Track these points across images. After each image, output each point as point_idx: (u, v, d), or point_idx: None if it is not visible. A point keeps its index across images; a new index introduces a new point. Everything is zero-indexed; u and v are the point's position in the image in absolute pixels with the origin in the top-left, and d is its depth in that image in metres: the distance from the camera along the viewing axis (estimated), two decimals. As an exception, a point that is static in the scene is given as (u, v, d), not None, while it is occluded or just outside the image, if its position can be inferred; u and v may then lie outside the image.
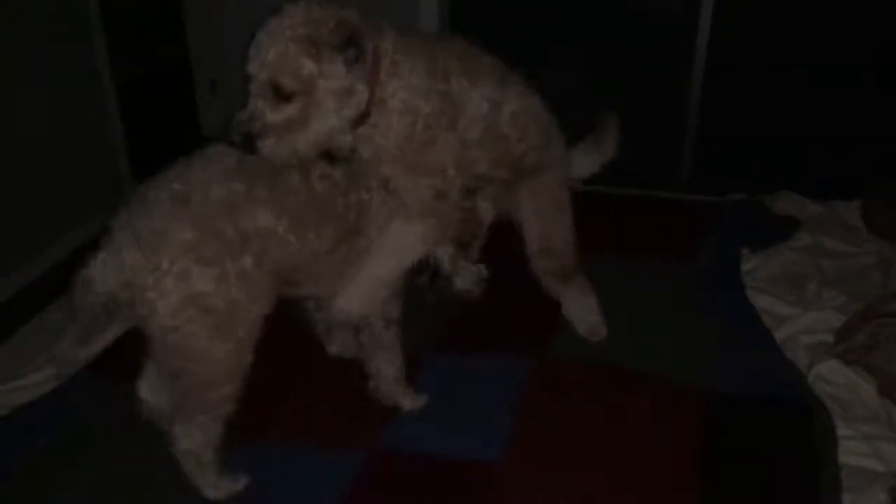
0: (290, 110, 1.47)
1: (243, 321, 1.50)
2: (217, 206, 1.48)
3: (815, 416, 1.76)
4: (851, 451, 1.68)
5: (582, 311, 2.09)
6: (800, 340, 2.03)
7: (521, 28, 3.76)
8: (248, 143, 1.47)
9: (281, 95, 1.46)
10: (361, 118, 1.54)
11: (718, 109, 3.53)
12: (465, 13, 3.81)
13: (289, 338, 2.00)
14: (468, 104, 1.68)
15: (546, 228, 1.99)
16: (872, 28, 3.27)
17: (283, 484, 1.63)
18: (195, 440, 1.55)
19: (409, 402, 1.83)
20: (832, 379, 1.89)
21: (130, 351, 1.97)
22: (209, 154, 1.57)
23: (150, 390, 1.70)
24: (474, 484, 1.62)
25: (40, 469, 1.66)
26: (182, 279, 1.43)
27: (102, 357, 1.95)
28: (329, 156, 1.58)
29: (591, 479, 1.62)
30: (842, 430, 1.73)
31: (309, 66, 1.45)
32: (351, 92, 1.49)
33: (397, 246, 1.66)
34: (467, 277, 1.96)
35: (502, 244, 2.02)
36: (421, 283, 1.86)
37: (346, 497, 1.59)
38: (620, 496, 1.59)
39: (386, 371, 1.81)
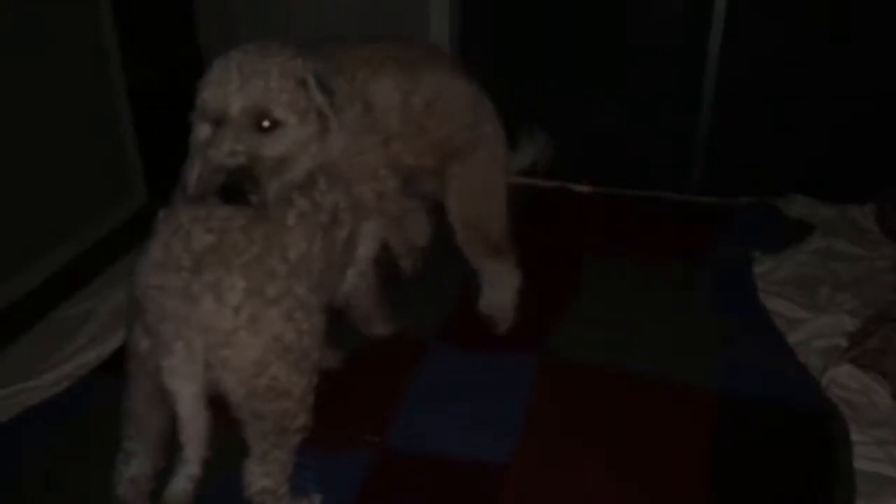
0: (283, 141, 1.42)
1: (313, 348, 1.46)
2: (258, 243, 1.40)
3: (829, 421, 1.75)
4: (865, 457, 1.67)
5: (499, 291, 2.07)
6: (813, 344, 2.01)
7: (530, 29, 3.75)
8: (239, 193, 1.36)
9: (262, 128, 1.40)
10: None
11: (730, 111, 3.52)
12: (475, 15, 3.81)
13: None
14: (377, 98, 1.67)
15: (471, 207, 1.98)
16: (886, 29, 3.25)
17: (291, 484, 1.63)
18: (274, 478, 1.50)
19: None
20: (846, 383, 1.87)
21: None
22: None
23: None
24: (483, 485, 1.61)
25: (50, 470, 1.66)
26: (254, 330, 1.36)
27: (113, 358, 1.98)
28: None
29: (601, 482, 1.61)
30: (855, 435, 1.72)
31: (300, 94, 1.43)
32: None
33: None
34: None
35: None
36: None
37: (356, 497, 1.58)
38: (631, 499, 1.58)
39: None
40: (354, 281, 1.83)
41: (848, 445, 1.69)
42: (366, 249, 1.80)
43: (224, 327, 1.33)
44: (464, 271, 2.15)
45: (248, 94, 1.38)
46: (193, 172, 1.40)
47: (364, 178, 1.65)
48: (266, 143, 1.40)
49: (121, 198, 4.22)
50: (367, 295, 1.92)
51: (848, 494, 1.57)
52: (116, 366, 1.93)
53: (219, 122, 1.39)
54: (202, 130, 1.43)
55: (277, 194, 1.42)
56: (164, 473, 1.49)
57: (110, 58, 4.06)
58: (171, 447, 1.47)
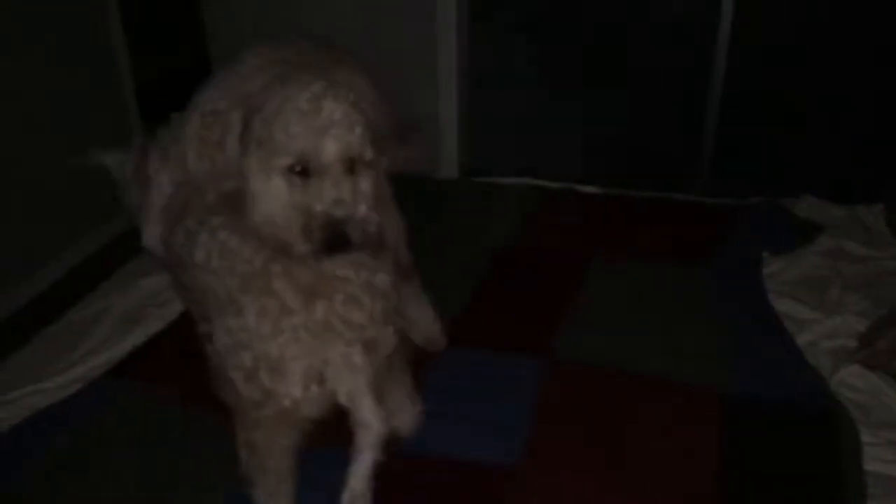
0: (371, 181, 1.36)
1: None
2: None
3: (839, 423, 1.74)
4: (875, 458, 1.66)
5: (422, 319, 1.97)
6: (822, 345, 2.01)
7: (535, 29, 3.75)
8: (348, 244, 1.30)
9: (353, 171, 1.33)
10: None
11: (739, 111, 3.51)
12: (485, 8, 3.80)
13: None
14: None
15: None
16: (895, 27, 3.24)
17: (305, 480, 1.63)
18: None
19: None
20: (855, 385, 1.86)
21: (152, 356, 2.01)
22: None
23: None
24: (491, 487, 1.61)
25: (59, 471, 1.67)
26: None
27: (124, 362, 1.99)
28: None
29: (608, 484, 1.60)
30: (866, 437, 1.71)
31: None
32: None
33: None
34: None
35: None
36: None
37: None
38: (640, 501, 1.57)
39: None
40: None
41: (858, 447, 1.68)
42: None
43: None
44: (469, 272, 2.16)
45: (349, 143, 1.30)
46: (294, 225, 1.31)
47: None
48: (359, 185, 1.35)
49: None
50: None
51: (858, 496, 1.56)
52: (125, 369, 1.95)
53: (306, 166, 1.29)
54: (286, 182, 1.32)
55: (379, 228, 1.38)
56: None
57: (119, 61, 4.08)
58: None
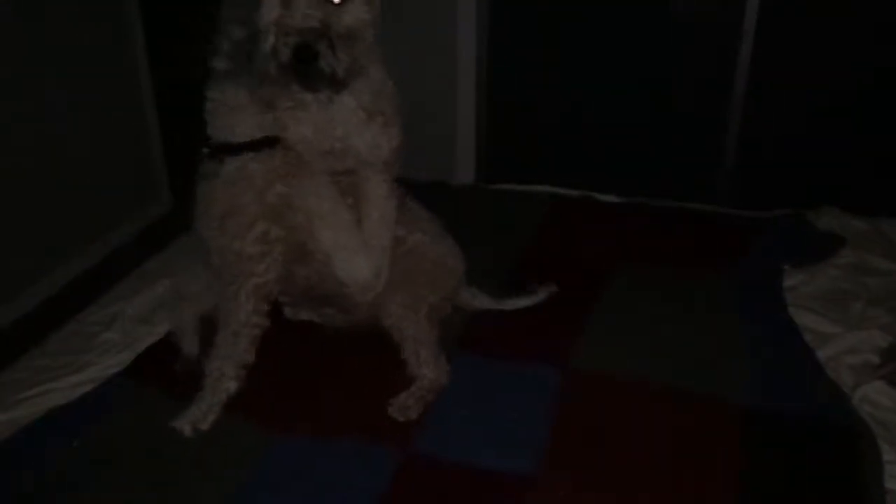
0: (353, 13, 1.47)
1: None
2: None
3: (860, 440, 1.71)
4: (896, 476, 1.63)
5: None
6: (844, 361, 1.97)
7: (557, 39, 3.75)
8: (313, 57, 1.41)
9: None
10: None
11: (761, 122, 3.49)
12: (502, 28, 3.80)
13: (321, 334, 2.03)
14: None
15: None
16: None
17: (316, 480, 1.63)
18: None
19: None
20: (877, 401, 1.83)
21: (164, 358, 2.00)
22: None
23: None
24: (509, 496, 1.59)
25: (73, 470, 1.66)
26: None
27: (138, 361, 1.98)
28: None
29: (627, 496, 1.58)
30: (887, 454, 1.67)
31: None
32: None
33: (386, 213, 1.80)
34: None
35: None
36: None
37: (379, 502, 1.57)
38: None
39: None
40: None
41: (879, 464, 1.64)
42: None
43: None
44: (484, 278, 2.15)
45: None
46: (264, 45, 1.40)
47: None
48: (337, 13, 1.42)
49: (146, 204, 4.25)
50: None
51: (879, 514, 1.53)
52: (138, 370, 1.95)
53: None
54: (269, 7, 1.43)
55: (348, 69, 1.44)
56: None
57: (137, 63, 4.10)
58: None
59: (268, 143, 1.75)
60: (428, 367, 1.87)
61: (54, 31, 3.52)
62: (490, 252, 2.36)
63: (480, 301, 2.14)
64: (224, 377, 1.78)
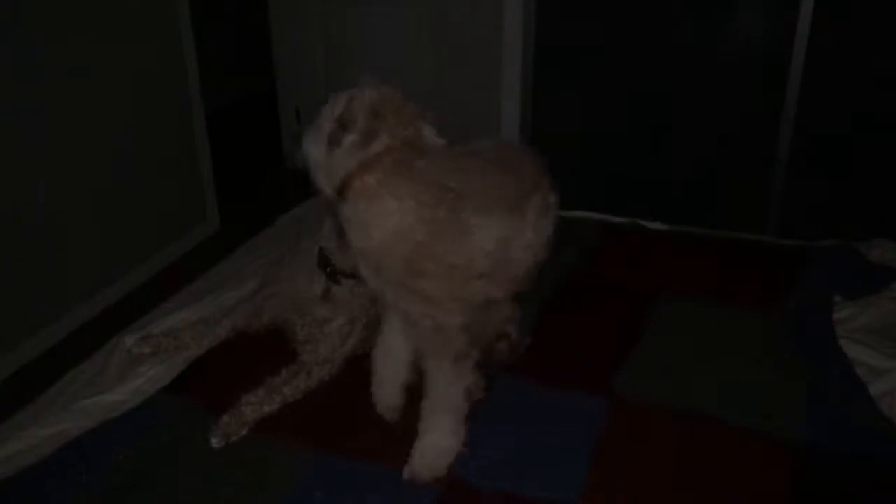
0: None
1: None
2: None
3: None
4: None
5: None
6: (898, 395, 1.92)
7: (603, 54, 3.74)
8: None
9: None
10: None
11: (811, 151, 3.44)
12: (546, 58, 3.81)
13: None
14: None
15: None
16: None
17: (358, 501, 1.62)
18: None
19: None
20: (932, 437, 1.78)
21: (210, 371, 2.03)
22: None
23: None
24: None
25: (118, 483, 1.68)
26: None
27: (183, 376, 2.01)
28: None
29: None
30: (941, 493, 1.62)
31: None
32: None
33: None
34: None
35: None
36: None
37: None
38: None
39: None
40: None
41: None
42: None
43: None
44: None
45: None
46: None
47: None
48: None
49: (195, 224, 4.32)
50: None
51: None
52: (185, 385, 1.97)
53: None
54: None
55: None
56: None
57: (189, 86, 4.19)
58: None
59: None
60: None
61: (108, 53, 3.62)
62: (536, 278, 2.34)
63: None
64: None
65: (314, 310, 2.02)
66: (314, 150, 1.68)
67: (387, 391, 1.85)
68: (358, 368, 1.98)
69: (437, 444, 1.69)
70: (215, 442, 1.76)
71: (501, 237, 1.67)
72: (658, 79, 3.67)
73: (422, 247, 1.56)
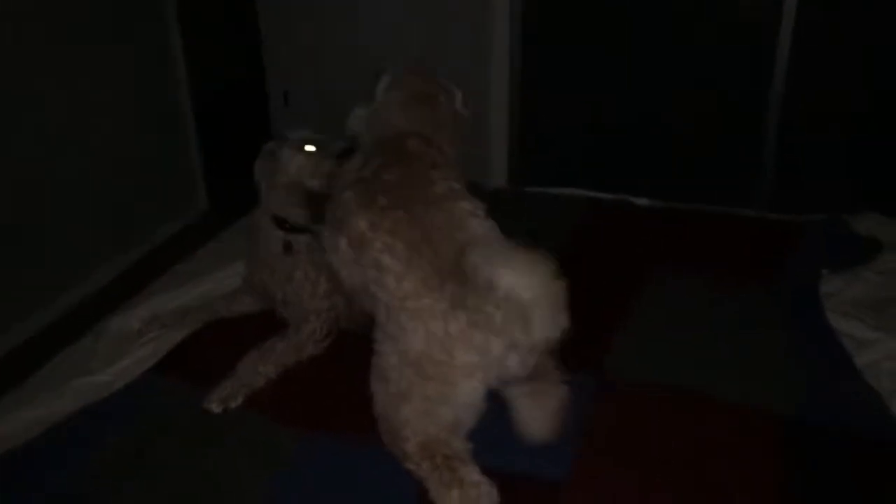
0: None
1: None
2: None
3: (897, 446, 1.67)
4: (937, 484, 1.59)
5: None
6: (882, 366, 1.92)
7: (593, 31, 3.72)
8: None
9: None
10: None
11: (800, 125, 3.44)
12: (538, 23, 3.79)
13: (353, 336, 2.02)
14: None
15: None
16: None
17: (349, 480, 1.63)
18: None
19: None
20: (917, 407, 1.79)
21: (196, 350, 2.03)
22: None
23: None
24: (538, 501, 1.58)
25: (110, 465, 1.69)
26: None
27: (170, 356, 2.01)
28: None
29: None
30: (926, 462, 1.64)
31: None
32: None
33: None
34: None
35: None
36: None
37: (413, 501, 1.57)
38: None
39: None
40: None
41: (919, 473, 1.61)
42: None
43: None
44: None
45: None
46: None
47: None
48: None
49: (184, 206, 4.31)
50: None
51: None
52: (172, 364, 1.98)
53: None
54: None
55: None
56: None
57: (176, 70, 4.16)
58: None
59: None
60: None
61: (95, 37, 3.59)
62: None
63: None
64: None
65: (280, 266, 2.08)
66: None
67: None
68: (346, 347, 1.99)
69: None
70: (214, 407, 1.80)
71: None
72: (647, 52, 3.66)
73: None
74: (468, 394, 1.57)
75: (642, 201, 2.83)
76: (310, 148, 2.03)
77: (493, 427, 1.74)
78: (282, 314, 2.10)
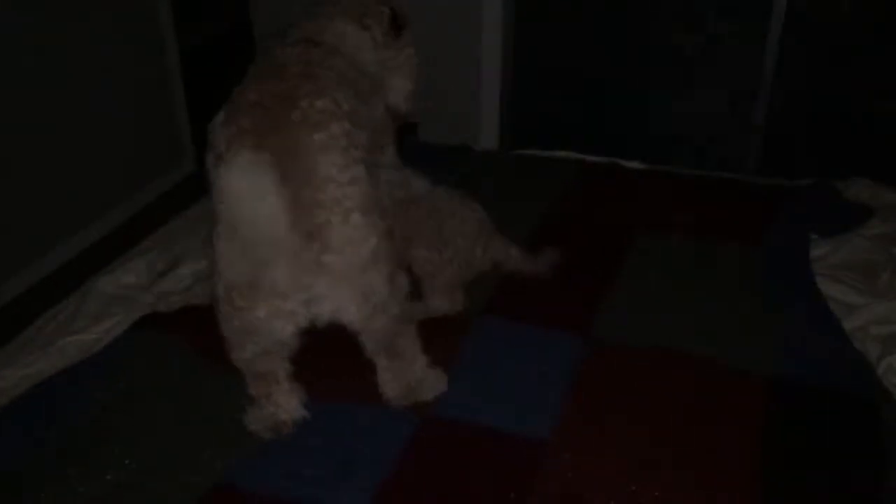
0: None
1: None
2: None
3: (883, 410, 1.68)
4: (921, 448, 1.61)
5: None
6: (870, 331, 1.94)
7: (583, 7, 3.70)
8: None
9: None
10: None
11: (792, 90, 3.43)
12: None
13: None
14: None
15: None
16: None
17: (334, 441, 1.64)
18: None
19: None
20: (903, 372, 1.80)
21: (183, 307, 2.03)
22: None
23: None
24: (523, 458, 1.59)
25: (97, 421, 1.69)
26: None
27: (159, 313, 2.00)
28: None
29: (644, 462, 1.57)
30: (912, 425, 1.65)
31: None
32: None
33: None
34: None
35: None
36: None
37: (397, 455, 1.58)
38: (677, 480, 1.54)
39: None
40: None
41: (902, 436, 1.62)
42: None
43: None
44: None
45: None
46: None
47: None
48: None
49: (171, 164, 4.27)
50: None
51: (901, 485, 1.52)
52: (158, 321, 1.97)
53: None
54: None
55: None
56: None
57: (162, 24, 4.10)
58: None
59: None
60: (441, 296, 1.97)
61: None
62: (512, 218, 2.33)
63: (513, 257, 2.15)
64: None
65: None
66: None
67: None
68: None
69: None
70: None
71: None
72: (638, 15, 3.63)
73: None
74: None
75: (632, 164, 2.82)
76: None
77: (481, 385, 1.76)
78: None
